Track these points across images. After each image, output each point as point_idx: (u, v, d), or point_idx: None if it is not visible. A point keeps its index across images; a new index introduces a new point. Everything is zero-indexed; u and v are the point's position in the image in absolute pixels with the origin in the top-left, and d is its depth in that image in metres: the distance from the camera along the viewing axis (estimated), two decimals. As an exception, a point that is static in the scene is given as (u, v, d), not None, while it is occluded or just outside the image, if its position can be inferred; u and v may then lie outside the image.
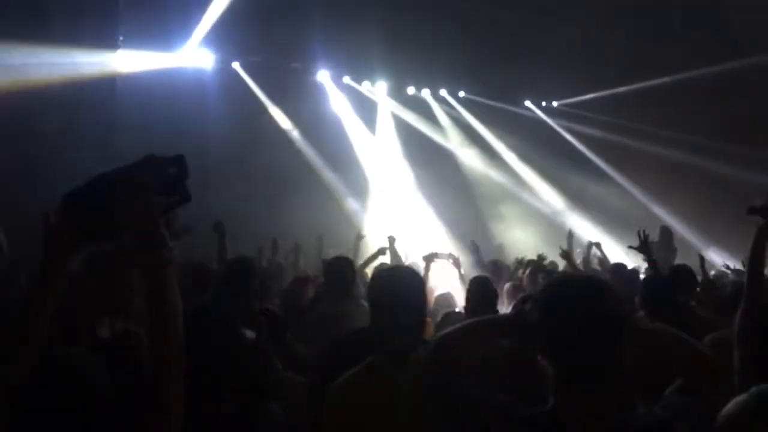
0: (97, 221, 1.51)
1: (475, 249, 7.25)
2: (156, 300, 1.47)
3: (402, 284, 2.50)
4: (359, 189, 11.07)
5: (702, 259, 6.35)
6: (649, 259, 4.82)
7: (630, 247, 5.18)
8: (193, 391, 1.99)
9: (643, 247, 4.88)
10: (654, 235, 9.08)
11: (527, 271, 5.73)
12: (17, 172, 7.24)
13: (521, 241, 7.39)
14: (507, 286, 5.33)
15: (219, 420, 2.08)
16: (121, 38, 8.12)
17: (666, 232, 8.97)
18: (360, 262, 6.10)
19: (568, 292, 1.67)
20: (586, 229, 10.78)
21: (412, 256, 7.12)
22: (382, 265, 5.56)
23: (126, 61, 8.35)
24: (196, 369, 1.99)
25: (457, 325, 2.00)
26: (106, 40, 7.97)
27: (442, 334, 2.03)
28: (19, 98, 7.45)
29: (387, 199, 11.14)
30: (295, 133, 10.70)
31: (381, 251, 6.38)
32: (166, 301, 1.47)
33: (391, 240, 6.62)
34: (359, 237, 7.21)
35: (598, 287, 1.68)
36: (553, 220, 11.55)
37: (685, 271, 4.89)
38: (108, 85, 8.07)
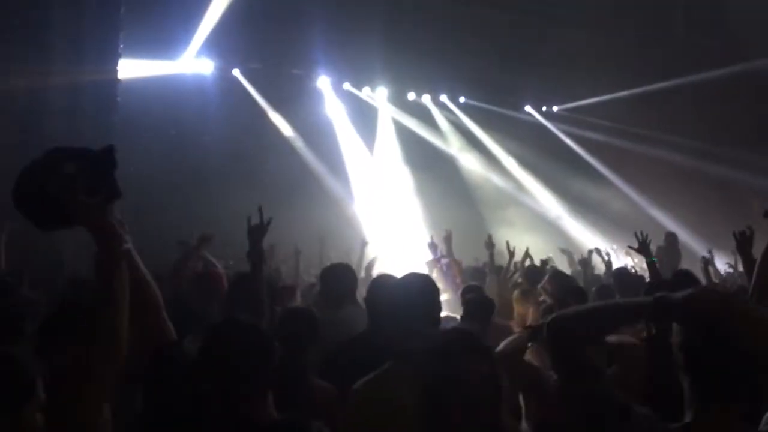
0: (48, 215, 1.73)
1: (490, 246, 7.03)
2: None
3: (413, 290, 2.51)
4: (360, 194, 11.07)
5: (706, 263, 6.34)
6: (649, 260, 4.80)
7: (630, 247, 5.16)
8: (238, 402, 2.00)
9: (643, 248, 4.86)
10: (658, 240, 9.12)
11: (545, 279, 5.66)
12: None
13: (522, 245, 7.34)
14: (516, 292, 5.30)
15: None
16: (121, 46, 8.14)
17: (671, 237, 9.00)
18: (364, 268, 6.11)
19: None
20: (586, 234, 10.79)
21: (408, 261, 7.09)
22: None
23: (127, 69, 8.38)
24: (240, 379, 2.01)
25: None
26: (107, 49, 7.99)
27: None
28: (20, 106, 7.49)
29: (387, 204, 11.14)
30: (295, 139, 10.72)
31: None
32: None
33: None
34: (364, 244, 7.19)
35: None
36: (555, 225, 11.56)
37: (687, 276, 4.87)
38: (109, 93, 8.08)
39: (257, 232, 3.42)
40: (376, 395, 2.39)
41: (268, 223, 3.33)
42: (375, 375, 2.45)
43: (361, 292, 5.98)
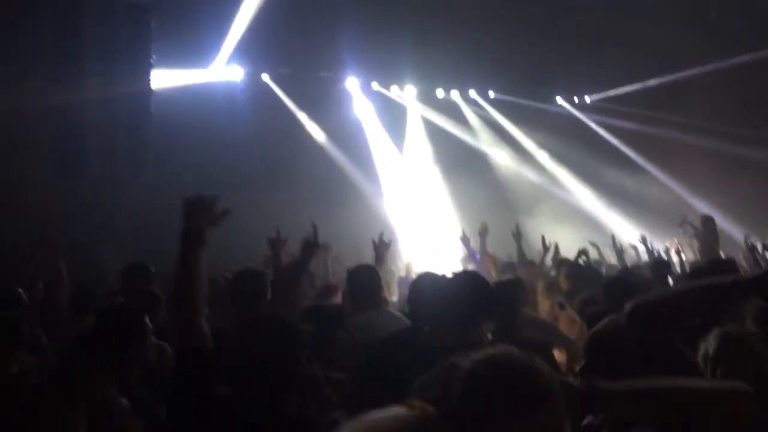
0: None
1: (518, 236, 6.93)
2: None
3: (461, 287, 2.52)
4: (391, 193, 11.08)
5: (753, 249, 6.15)
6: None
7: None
8: (259, 395, 2.05)
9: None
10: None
11: (562, 271, 5.61)
12: (64, 187, 7.50)
13: (557, 238, 7.26)
14: (541, 285, 5.26)
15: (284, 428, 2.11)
16: (153, 58, 8.31)
17: (707, 220, 8.76)
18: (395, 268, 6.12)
19: None
20: (624, 226, 10.62)
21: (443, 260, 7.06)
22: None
23: (159, 79, 8.55)
24: (266, 373, 2.06)
25: (658, 293, 1.90)
26: (140, 61, 8.18)
27: (639, 301, 1.88)
28: (57, 120, 7.72)
29: (419, 202, 11.13)
30: (326, 142, 10.78)
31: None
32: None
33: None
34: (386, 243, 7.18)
35: None
36: (590, 217, 11.41)
37: (726, 263, 4.75)
38: (143, 104, 8.26)
39: (310, 250, 3.73)
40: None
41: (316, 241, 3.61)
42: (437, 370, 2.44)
43: (403, 291, 6.01)
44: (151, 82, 8.32)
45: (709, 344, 2.14)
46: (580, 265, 5.82)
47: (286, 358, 2.15)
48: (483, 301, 2.56)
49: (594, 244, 7.72)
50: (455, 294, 2.58)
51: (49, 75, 7.42)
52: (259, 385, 2.11)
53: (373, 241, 5.03)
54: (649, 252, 7.36)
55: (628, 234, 9.56)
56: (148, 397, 2.87)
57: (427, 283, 3.05)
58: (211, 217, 2.38)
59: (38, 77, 7.29)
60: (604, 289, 4.44)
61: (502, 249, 7.60)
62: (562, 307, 4.64)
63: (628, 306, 1.84)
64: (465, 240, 6.93)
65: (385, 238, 5.10)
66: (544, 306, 5.02)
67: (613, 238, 7.29)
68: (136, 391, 2.75)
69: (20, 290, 3.93)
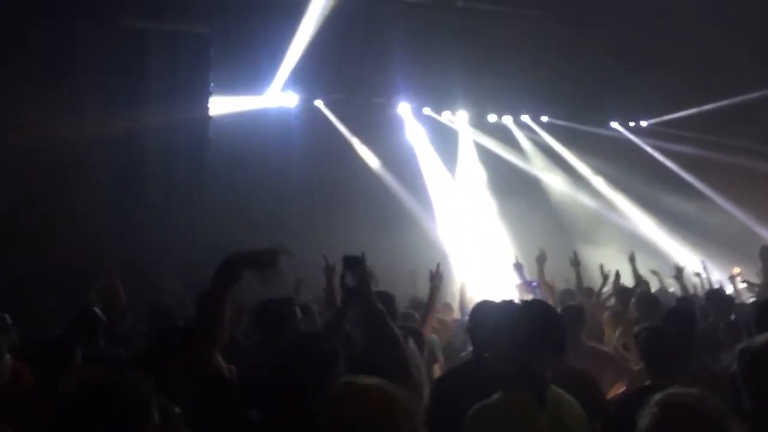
0: None
1: (576, 263, 6.85)
2: None
3: (540, 319, 2.49)
4: (444, 220, 11.03)
5: None
6: None
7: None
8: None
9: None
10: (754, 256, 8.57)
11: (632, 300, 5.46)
12: (124, 213, 7.76)
13: (614, 266, 7.09)
14: (606, 315, 5.13)
15: None
16: (212, 85, 8.56)
17: (765, 252, 8.42)
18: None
19: None
20: (684, 253, 10.31)
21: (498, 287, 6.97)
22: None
23: (216, 106, 8.79)
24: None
25: None
26: (199, 89, 8.44)
27: (751, 344, 1.98)
28: (121, 147, 8.02)
29: (473, 228, 11.04)
30: (378, 166, 10.84)
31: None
32: None
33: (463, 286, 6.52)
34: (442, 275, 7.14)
35: None
36: (648, 244, 11.11)
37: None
38: (201, 130, 8.50)
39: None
40: (489, 424, 2.36)
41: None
42: (491, 402, 2.42)
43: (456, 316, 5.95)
44: (209, 109, 8.56)
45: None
46: (650, 294, 5.69)
47: (314, 382, 2.17)
48: (543, 330, 2.50)
49: (655, 272, 7.52)
50: (516, 321, 2.54)
51: (112, 104, 7.73)
52: (288, 409, 2.13)
53: (431, 271, 5.02)
54: (708, 280, 7.13)
55: (689, 261, 9.26)
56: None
57: (486, 311, 3.01)
58: (257, 264, 2.45)
59: (101, 106, 7.60)
60: (664, 317, 4.31)
61: (558, 275, 7.45)
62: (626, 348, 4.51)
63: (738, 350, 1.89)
64: (518, 267, 6.82)
65: (441, 270, 5.08)
66: (611, 335, 4.89)
67: (677, 267, 7.08)
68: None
69: (95, 309, 4.02)
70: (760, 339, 2.04)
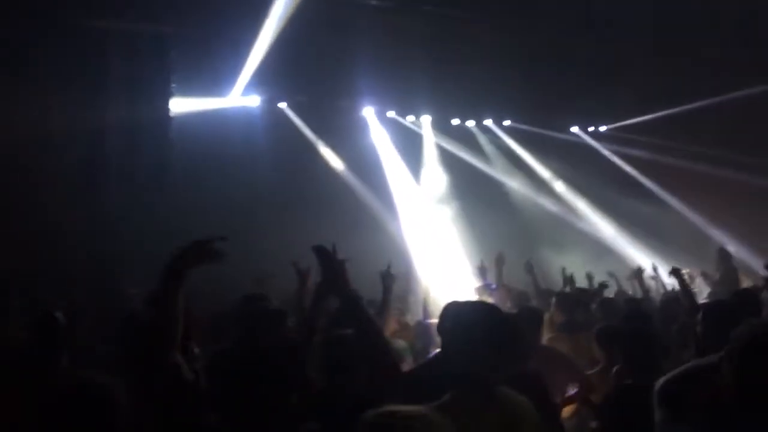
0: None
1: (530, 269, 7.01)
2: None
3: (486, 320, 2.52)
4: (407, 222, 11.09)
5: None
6: None
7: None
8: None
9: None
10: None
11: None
12: (85, 209, 7.64)
13: (573, 268, 7.24)
14: (547, 317, 5.26)
15: None
16: (173, 86, 8.49)
17: (723, 253, 8.74)
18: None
19: None
20: (641, 256, 10.56)
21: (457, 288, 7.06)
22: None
23: (178, 106, 8.71)
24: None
25: None
26: (160, 90, 8.36)
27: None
28: (84, 145, 7.90)
29: (435, 230, 11.12)
30: (342, 169, 10.85)
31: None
32: None
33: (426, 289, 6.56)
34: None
35: None
36: (606, 247, 11.35)
37: (748, 294, 4.72)
38: (163, 131, 8.42)
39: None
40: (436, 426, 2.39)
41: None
42: (438, 405, 2.44)
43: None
44: (170, 110, 8.48)
45: None
46: (568, 294, 5.84)
47: (274, 385, 2.20)
48: (490, 331, 2.55)
49: (612, 275, 7.70)
50: (464, 322, 2.58)
51: (71, 104, 7.61)
52: (246, 412, 2.15)
53: (381, 272, 5.03)
54: (661, 282, 7.34)
55: (645, 264, 9.50)
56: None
57: (449, 312, 3.06)
58: (199, 258, 2.55)
59: (59, 107, 7.48)
60: (624, 319, 4.44)
61: (519, 278, 7.59)
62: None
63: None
64: (482, 270, 6.93)
65: (393, 270, 5.08)
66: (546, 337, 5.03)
67: (636, 269, 7.28)
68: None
69: (57, 315, 3.95)
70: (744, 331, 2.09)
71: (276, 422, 2.20)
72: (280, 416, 2.22)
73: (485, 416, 2.33)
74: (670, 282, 7.18)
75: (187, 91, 8.94)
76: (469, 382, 2.38)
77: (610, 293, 6.72)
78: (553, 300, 5.71)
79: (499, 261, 6.72)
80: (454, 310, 2.81)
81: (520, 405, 2.48)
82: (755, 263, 8.93)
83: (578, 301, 5.58)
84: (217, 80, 9.50)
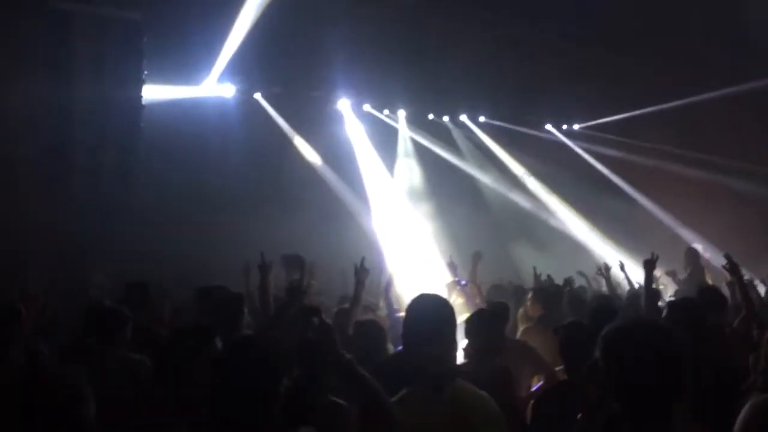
0: None
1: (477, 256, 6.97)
2: None
3: (431, 313, 2.50)
4: (380, 215, 11.08)
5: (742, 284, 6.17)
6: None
7: (724, 266, 5.13)
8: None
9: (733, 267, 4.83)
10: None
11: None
12: (52, 197, 7.46)
13: (543, 264, 7.30)
14: (520, 312, 5.31)
15: None
16: (145, 73, 8.33)
17: (691, 252, 8.89)
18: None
19: None
20: (609, 252, 10.68)
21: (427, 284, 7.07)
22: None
23: (150, 94, 8.55)
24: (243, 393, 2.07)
25: None
26: (131, 76, 8.19)
27: None
28: (49, 131, 7.70)
29: (408, 224, 11.13)
30: (317, 161, 10.79)
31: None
32: None
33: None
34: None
35: None
36: (578, 244, 11.47)
37: (712, 292, 4.81)
38: (133, 118, 8.25)
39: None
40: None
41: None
42: (395, 399, 2.43)
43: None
44: (142, 98, 8.32)
45: None
46: (546, 290, 5.91)
47: (262, 381, 2.16)
48: (442, 324, 2.54)
49: (582, 273, 7.77)
50: (420, 316, 2.58)
51: (39, 87, 7.40)
52: (234, 408, 2.11)
53: (354, 266, 5.01)
54: (628, 279, 7.43)
55: (614, 261, 9.61)
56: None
57: (413, 310, 3.06)
58: None
59: (24, 92, 7.26)
60: (590, 314, 4.47)
61: (489, 272, 7.63)
62: None
63: None
64: (452, 266, 6.95)
65: (366, 264, 5.06)
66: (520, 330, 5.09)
67: (603, 266, 7.35)
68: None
69: (20, 306, 3.86)
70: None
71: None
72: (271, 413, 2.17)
73: (433, 410, 2.32)
74: (636, 280, 7.28)
75: (160, 78, 8.78)
76: (421, 377, 2.38)
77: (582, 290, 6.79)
78: (530, 294, 5.77)
79: (476, 257, 6.75)
80: (409, 305, 2.82)
81: (474, 398, 2.47)
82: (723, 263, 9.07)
83: (555, 295, 5.63)
84: (190, 68, 9.35)
